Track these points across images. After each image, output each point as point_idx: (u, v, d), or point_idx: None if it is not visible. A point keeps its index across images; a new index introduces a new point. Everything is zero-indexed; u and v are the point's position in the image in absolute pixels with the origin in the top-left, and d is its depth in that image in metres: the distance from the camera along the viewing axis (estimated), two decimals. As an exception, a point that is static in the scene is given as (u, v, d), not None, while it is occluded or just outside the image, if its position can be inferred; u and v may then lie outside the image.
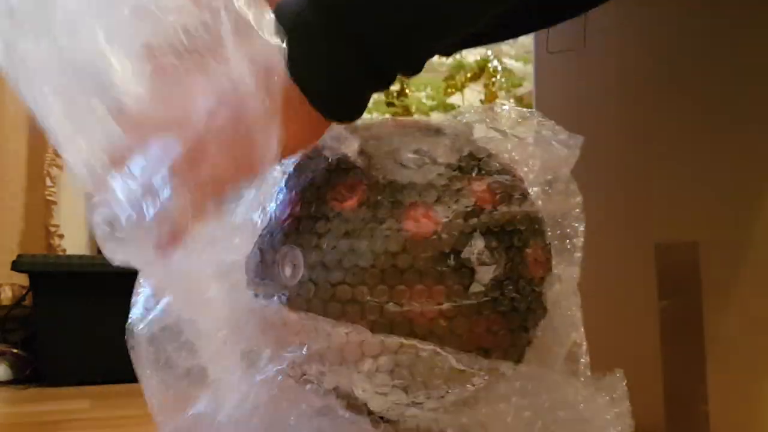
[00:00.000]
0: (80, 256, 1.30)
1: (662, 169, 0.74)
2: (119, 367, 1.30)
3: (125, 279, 1.42)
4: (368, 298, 0.37)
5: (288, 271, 0.39)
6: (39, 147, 1.48)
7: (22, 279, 1.35)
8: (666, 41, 0.75)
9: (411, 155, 0.40)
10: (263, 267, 0.41)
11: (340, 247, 0.38)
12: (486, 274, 0.38)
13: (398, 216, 0.38)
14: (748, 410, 0.69)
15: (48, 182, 1.49)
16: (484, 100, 1.60)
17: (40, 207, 1.47)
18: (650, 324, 0.73)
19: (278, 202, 0.42)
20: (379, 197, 0.39)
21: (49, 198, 1.49)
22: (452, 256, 0.37)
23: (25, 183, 1.44)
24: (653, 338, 0.73)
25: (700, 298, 0.71)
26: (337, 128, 0.39)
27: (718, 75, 0.72)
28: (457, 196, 0.39)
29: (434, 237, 0.37)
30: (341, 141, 0.40)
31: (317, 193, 0.40)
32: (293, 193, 0.42)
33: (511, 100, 1.72)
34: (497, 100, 1.60)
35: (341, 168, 0.40)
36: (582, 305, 0.77)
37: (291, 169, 0.43)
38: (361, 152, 0.40)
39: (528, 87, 1.62)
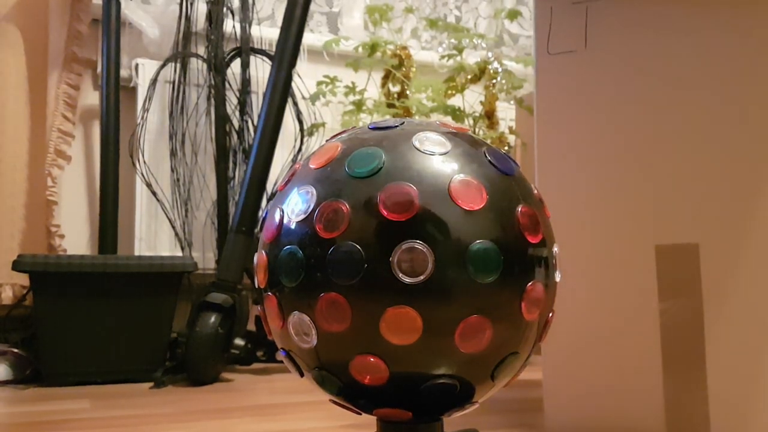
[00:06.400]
0: (81, 257, 1.30)
1: (662, 169, 0.74)
2: (119, 367, 1.31)
3: (125, 279, 1.42)
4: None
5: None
6: (40, 147, 1.48)
7: (23, 279, 1.35)
8: (666, 42, 0.75)
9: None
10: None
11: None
12: None
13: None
14: (748, 410, 0.69)
15: (49, 182, 1.49)
16: (484, 101, 1.60)
17: (40, 207, 1.47)
18: (650, 324, 0.73)
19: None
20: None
21: (50, 198, 1.49)
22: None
23: (26, 183, 1.44)
24: (653, 339, 0.73)
25: (700, 299, 0.71)
26: None
27: (719, 76, 0.72)
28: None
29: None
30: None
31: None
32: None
33: (512, 102, 1.72)
34: (498, 102, 1.60)
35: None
36: (582, 306, 0.77)
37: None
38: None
39: (529, 89, 1.62)
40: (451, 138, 0.49)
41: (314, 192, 0.47)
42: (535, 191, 0.51)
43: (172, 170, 1.59)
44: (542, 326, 0.50)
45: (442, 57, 1.65)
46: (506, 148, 1.60)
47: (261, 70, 1.66)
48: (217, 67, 1.59)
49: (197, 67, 1.62)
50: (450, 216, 0.45)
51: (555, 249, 0.51)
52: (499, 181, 0.48)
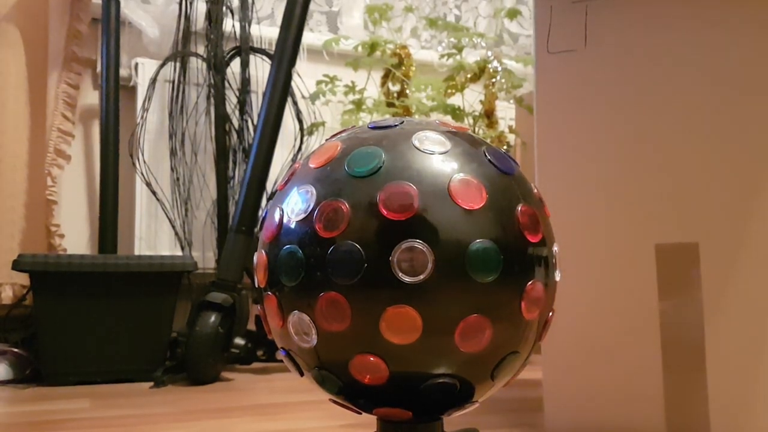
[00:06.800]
0: (81, 256, 1.30)
1: (662, 169, 0.74)
2: (119, 367, 1.31)
3: (125, 279, 1.43)
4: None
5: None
6: (40, 147, 1.48)
7: (23, 279, 1.35)
8: (666, 41, 0.75)
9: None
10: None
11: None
12: None
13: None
14: (748, 411, 0.69)
15: (49, 182, 1.49)
16: (484, 100, 1.59)
17: (40, 207, 1.47)
18: (650, 324, 0.73)
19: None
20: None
21: (49, 198, 1.49)
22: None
23: (26, 183, 1.44)
24: (653, 338, 0.73)
25: (701, 298, 0.71)
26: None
27: (719, 75, 0.72)
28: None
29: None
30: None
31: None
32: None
33: (512, 101, 1.71)
34: (497, 101, 1.60)
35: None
36: (582, 305, 0.77)
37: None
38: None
39: (528, 88, 1.62)
40: (451, 137, 0.49)
41: (314, 191, 0.47)
42: (535, 190, 0.51)
43: (172, 170, 1.59)
44: (542, 325, 0.50)
45: (442, 56, 1.65)
46: (506, 147, 1.60)
47: (261, 69, 1.66)
48: (217, 66, 1.59)
49: (197, 67, 1.62)
50: (450, 215, 0.45)
51: (555, 248, 0.51)
52: (499, 181, 0.48)
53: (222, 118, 1.59)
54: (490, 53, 1.60)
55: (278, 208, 0.49)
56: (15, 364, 1.29)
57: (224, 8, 1.61)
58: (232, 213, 1.54)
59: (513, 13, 1.62)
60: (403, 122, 0.50)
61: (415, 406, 0.48)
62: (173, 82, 1.60)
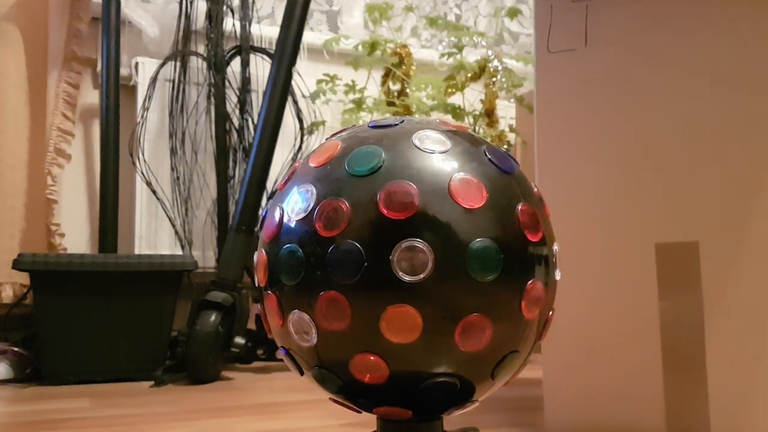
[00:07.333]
0: (81, 255, 1.30)
1: (662, 169, 0.74)
2: (119, 366, 1.31)
3: (125, 278, 1.42)
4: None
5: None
6: (40, 146, 1.48)
7: (23, 278, 1.35)
8: (666, 40, 0.75)
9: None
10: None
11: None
12: None
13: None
14: (748, 410, 0.69)
15: (49, 181, 1.49)
16: (484, 100, 1.59)
17: (40, 206, 1.47)
18: (650, 323, 0.73)
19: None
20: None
21: (49, 197, 1.49)
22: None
23: (26, 182, 1.44)
24: (653, 338, 0.73)
25: (701, 297, 0.71)
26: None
27: (719, 74, 0.72)
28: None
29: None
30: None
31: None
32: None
33: (512, 100, 1.71)
34: (498, 100, 1.60)
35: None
36: (582, 305, 0.77)
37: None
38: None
39: (529, 87, 1.62)
40: (451, 136, 0.49)
41: (314, 190, 0.47)
42: (535, 189, 0.51)
43: (172, 169, 1.59)
44: (542, 325, 0.50)
45: (442, 55, 1.65)
46: (506, 146, 1.60)
47: (261, 68, 1.66)
48: (217, 65, 1.59)
49: (197, 66, 1.62)
50: (450, 214, 0.45)
51: (555, 247, 0.51)
52: (499, 180, 0.48)
53: (222, 117, 1.59)
54: (490, 52, 1.60)
55: (278, 207, 0.49)
56: (15, 364, 1.29)
57: (224, 7, 1.61)
58: (232, 212, 1.54)
59: (513, 12, 1.62)
60: (403, 121, 0.50)
61: (415, 405, 0.48)
62: (173, 81, 1.60)
